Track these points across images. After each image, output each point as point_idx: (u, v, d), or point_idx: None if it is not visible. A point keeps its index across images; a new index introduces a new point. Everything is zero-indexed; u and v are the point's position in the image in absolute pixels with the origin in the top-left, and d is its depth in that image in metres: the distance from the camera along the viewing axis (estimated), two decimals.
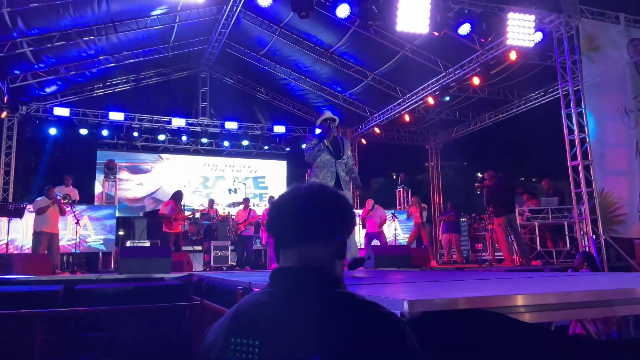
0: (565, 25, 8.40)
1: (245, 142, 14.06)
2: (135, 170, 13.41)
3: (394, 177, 15.87)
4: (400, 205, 14.29)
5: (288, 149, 14.62)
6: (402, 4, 7.98)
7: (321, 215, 1.15)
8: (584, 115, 8.16)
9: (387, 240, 11.41)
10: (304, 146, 5.25)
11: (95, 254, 10.31)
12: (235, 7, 9.35)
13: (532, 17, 8.51)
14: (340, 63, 11.74)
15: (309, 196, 1.17)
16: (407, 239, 11.75)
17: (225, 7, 9.47)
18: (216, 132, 13.75)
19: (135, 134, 13.02)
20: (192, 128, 13.58)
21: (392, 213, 12.38)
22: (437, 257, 12.83)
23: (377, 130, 14.02)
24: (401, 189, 14.66)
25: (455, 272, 5.50)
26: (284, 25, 10.92)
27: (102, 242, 10.22)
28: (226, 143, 13.91)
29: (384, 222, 10.91)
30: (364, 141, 14.85)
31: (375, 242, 10.49)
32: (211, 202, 12.21)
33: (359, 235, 11.03)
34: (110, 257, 10.28)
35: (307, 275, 1.10)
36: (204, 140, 13.63)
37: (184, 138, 13.52)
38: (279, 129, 14.33)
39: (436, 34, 8.47)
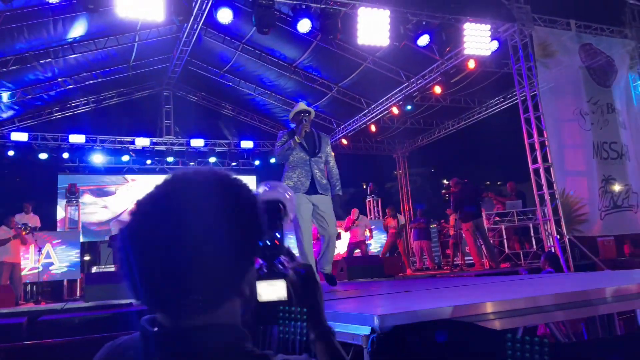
0: (519, 34, 8.69)
1: (212, 159, 13.91)
2: (99, 193, 13.06)
3: (364, 187, 15.98)
4: (370, 214, 14.37)
5: (257, 163, 14.54)
6: (362, 17, 8.10)
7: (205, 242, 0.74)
8: (542, 119, 8.42)
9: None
10: (278, 143, 4.69)
11: (59, 282, 9.95)
12: (196, 25, 9.30)
13: (488, 27, 8.77)
14: (304, 77, 11.80)
15: (173, 209, 0.75)
16: (382, 249, 11.79)
17: (185, 25, 9.40)
18: (182, 150, 13.56)
19: (98, 156, 12.72)
20: (157, 147, 13.35)
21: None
22: (410, 265, 12.94)
23: (344, 141, 14.11)
24: (371, 199, 14.77)
25: (427, 280, 5.54)
26: (246, 41, 10.92)
27: (66, 269, 9.88)
28: (192, 163, 13.72)
29: (371, 232, 10.94)
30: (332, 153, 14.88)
31: (358, 252, 10.50)
32: None
33: (343, 243, 10.96)
34: (76, 284, 9.95)
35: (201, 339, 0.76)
36: (170, 159, 13.41)
37: (149, 158, 13.28)
38: (247, 144, 14.25)
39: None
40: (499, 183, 20.19)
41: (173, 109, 13.62)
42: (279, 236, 1.08)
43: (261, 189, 1.29)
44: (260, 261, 1.05)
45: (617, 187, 8.60)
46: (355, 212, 10.78)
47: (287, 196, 1.26)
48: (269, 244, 1.05)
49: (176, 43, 10.73)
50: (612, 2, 9.35)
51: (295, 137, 4.52)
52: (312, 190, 4.47)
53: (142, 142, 13.11)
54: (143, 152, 13.24)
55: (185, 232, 0.73)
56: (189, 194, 0.77)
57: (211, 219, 0.75)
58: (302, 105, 4.77)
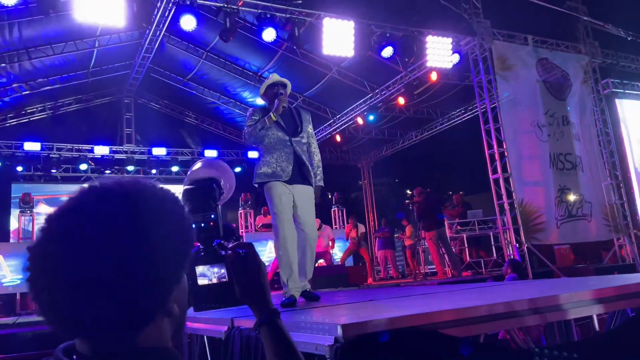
0: (479, 47, 8.93)
1: (175, 168, 13.63)
2: (55, 203, 12.56)
3: (329, 196, 16.00)
4: (336, 224, 14.39)
5: None
6: (327, 28, 8.16)
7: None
8: (502, 131, 8.66)
9: None
10: (248, 123, 3.83)
11: (12, 296, 9.47)
12: (158, 32, 9.14)
13: (449, 40, 8.99)
14: None
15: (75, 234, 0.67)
16: (342, 256, 11.80)
17: (148, 31, 9.23)
18: (143, 159, 13.25)
19: (54, 164, 12.26)
20: (117, 156, 12.99)
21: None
22: (375, 274, 13.00)
23: None
24: (336, 208, 14.79)
25: (391, 289, 5.56)
26: (210, 49, 10.82)
27: (19, 282, 9.42)
28: (154, 171, 13.41)
29: (333, 242, 10.90)
30: None
31: (322, 262, 10.44)
32: None
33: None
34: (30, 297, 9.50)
35: None
36: (130, 167, 13.07)
37: (108, 167, 12.90)
38: (210, 153, 14.04)
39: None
40: (460, 192, 20.61)
41: (134, 116, 13.31)
42: (213, 217, 1.03)
43: (196, 166, 1.20)
44: (198, 244, 1.01)
45: (571, 197, 8.91)
46: (317, 221, 10.73)
47: (223, 174, 1.17)
48: (203, 226, 1.01)
49: (138, 50, 10.52)
50: (567, 18, 9.74)
51: (271, 113, 3.71)
52: (294, 178, 3.69)
53: (101, 150, 12.73)
54: (102, 161, 12.86)
55: (95, 251, 0.66)
56: (103, 208, 0.70)
57: (126, 235, 0.68)
58: (275, 77, 3.97)
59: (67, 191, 12.73)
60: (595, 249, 9.96)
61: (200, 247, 1.01)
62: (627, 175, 9.97)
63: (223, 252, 1.00)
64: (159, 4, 7.74)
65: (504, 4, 8.88)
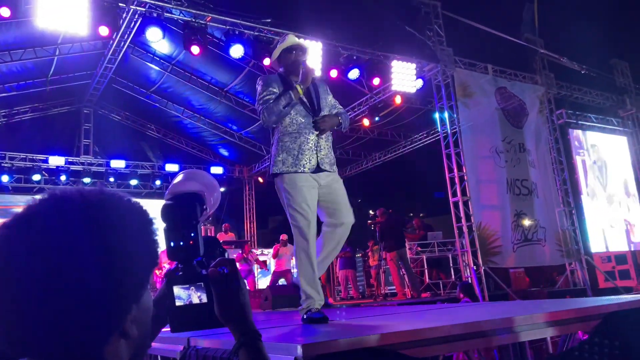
0: (442, 74, 9.20)
1: (133, 182, 13.28)
2: (5, 214, 11.99)
3: None
4: None
5: None
6: None
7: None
8: (462, 155, 8.88)
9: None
10: (264, 95, 3.11)
11: None
12: (122, 42, 8.98)
13: (413, 66, 9.23)
14: (235, 102, 11.71)
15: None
16: None
17: (111, 41, 9.06)
18: (101, 171, 12.85)
19: (5, 174, 11.72)
20: (73, 167, 12.56)
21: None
22: (335, 294, 12.94)
23: None
24: None
25: (352, 309, 5.55)
26: (176, 62, 10.70)
27: None
28: (111, 179, 12.99)
29: (289, 259, 10.80)
30: (261, 180, 14.78)
31: (283, 281, 10.32)
32: None
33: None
34: None
35: None
36: (86, 180, 12.64)
37: (63, 178, 12.44)
38: (172, 167, 13.77)
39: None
40: (421, 215, 20.95)
41: (93, 127, 12.93)
42: (193, 235, 0.98)
43: (178, 178, 1.11)
44: (176, 263, 0.96)
45: (527, 222, 9.19)
46: (284, 237, 10.62)
47: (207, 187, 1.10)
48: (182, 245, 0.97)
49: (100, 59, 10.29)
50: (525, 50, 10.20)
51: (297, 85, 3.05)
52: (320, 166, 3.13)
53: (56, 160, 12.27)
54: (57, 172, 12.39)
55: (45, 264, 0.62)
56: (59, 218, 0.66)
57: (80, 248, 0.64)
58: (292, 39, 3.30)
59: (18, 202, 12.17)
60: (549, 273, 10.28)
61: (179, 266, 0.96)
62: (579, 202, 10.39)
63: (204, 271, 0.95)
64: (124, 15, 7.62)
65: (466, 33, 9.22)
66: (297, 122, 3.09)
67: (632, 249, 11.10)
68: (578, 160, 10.81)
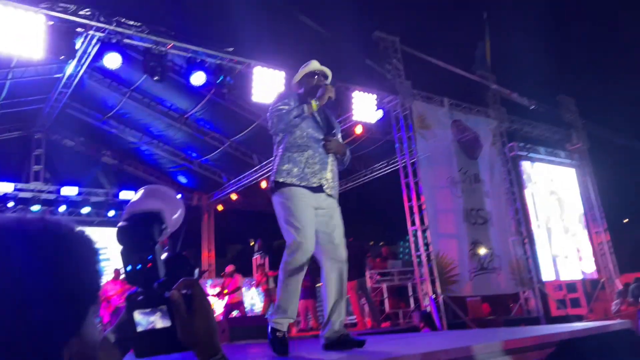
0: (401, 106, 9.45)
1: (86, 209, 12.79)
2: None
3: (251, 243, 15.71)
4: (257, 273, 14.06)
5: None
6: (257, 76, 8.27)
7: None
8: (420, 185, 9.06)
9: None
10: (280, 106, 3.11)
11: None
12: (79, 67, 8.77)
13: (374, 97, 9.44)
14: (195, 129, 11.59)
15: None
16: (262, 309, 11.49)
17: (67, 66, 8.84)
18: (51, 198, 12.31)
19: None
20: (22, 194, 11.96)
21: (248, 281, 12.11)
22: (295, 324, 12.73)
23: (233, 196, 13.90)
24: (258, 256, 14.50)
25: (311, 340, 5.45)
26: (135, 88, 10.52)
27: None
28: (62, 208, 12.46)
29: (237, 288, 10.56)
30: (220, 207, 14.57)
31: (235, 312, 10.07)
32: None
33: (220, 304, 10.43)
34: None
35: None
36: (35, 207, 12.08)
37: (11, 205, 11.84)
38: (127, 194, 13.37)
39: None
40: (381, 244, 21.09)
41: (45, 153, 12.44)
42: (151, 258, 0.93)
43: (136, 196, 1.06)
44: (136, 288, 0.92)
45: (483, 251, 9.41)
46: (230, 267, 10.39)
47: (167, 204, 1.04)
48: (139, 268, 0.92)
49: (56, 84, 10.00)
50: (479, 86, 10.65)
51: (312, 100, 3.05)
52: (323, 186, 3.04)
53: (3, 187, 11.69)
54: (4, 199, 11.79)
55: None
56: None
57: (10, 279, 0.62)
58: (315, 64, 3.32)
59: None
60: (504, 301, 10.48)
61: (139, 290, 0.92)
62: (531, 231, 10.74)
63: (166, 294, 0.91)
64: (81, 39, 7.47)
65: (424, 67, 9.57)
66: (308, 134, 3.07)
67: (582, 278, 11.52)
68: (527, 192, 11.22)
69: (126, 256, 0.95)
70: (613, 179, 13.32)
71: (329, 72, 3.34)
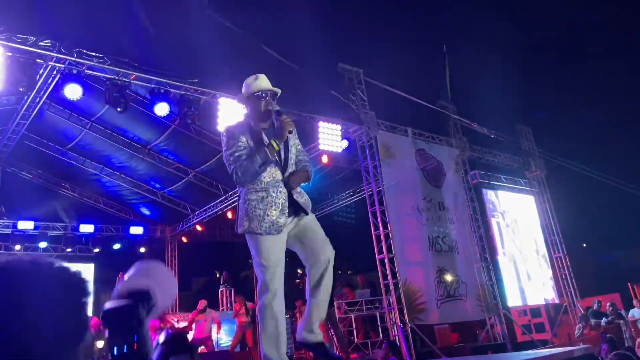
0: (366, 136, 9.58)
1: (43, 244, 12.29)
2: None
3: (217, 275, 15.38)
4: (223, 305, 13.71)
5: (97, 250, 13.21)
6: (222, 106, 8.25)
7: None
8: (386, 213, 9.13)
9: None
10: (234, 151, 2.86)
11: None
12: (38, 98, 8.54)
13: (339, 127, 9.55)
14: (159, 160, 11.40)
15: None
16: (231, 343, 11.16)
17: (26, 97, 8.61)
18: (6, 233, 11.81)
19: None
20: None
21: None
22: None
23: (199, 227, 13.64)
24: (224, 289, 14.17)
25: None
26: (95, 119, 10.30)
27: None
28: (18, 247, 11.94)
29: (219, 325, 10.25)
30: (185, 239, 14.25)
31: (203, 349, 9.72)
32: None
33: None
34: None
35: None
36: None
37: None
38: (86, 228, 12.95)
39: None
40: (349, 272, 21.00)
41: (1, 186, 11.96)
42: (136, 340, 0.91)
43: (129, 273, 1.03)
44: None
45: (449, 278, 9.49)
46: (202, 303, 10.11)
47: (158, 282, 1.01)
48: (125, 351, 0.88)
49: (13, 115, 9.69)
50: (440, 116, 10.93)
51: (272, 141, 2.79)
52: (292, 212, 2.97)
53: None
54: None
55: None
56: None
57: None
58: (262, 81, 2.99)
59: None
60: (471, 328, 10.54)
61: None
62: (495, 258, 10.93)
63: None
64: (41, 71, 7.30)
65: (387, 98, 9.76)
66: (264, 180, 2.84)
67: (546, 303, 11.74)
68: (493, 221, 11.46)
69: (111, 340, 0.92)
70: (571, 204, 13.79)
71: (278, 90, 3.04)
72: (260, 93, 2.94)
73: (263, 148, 2.78)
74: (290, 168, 2.98)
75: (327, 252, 3.03)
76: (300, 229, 3.00)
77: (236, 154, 2.81)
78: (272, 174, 2.87)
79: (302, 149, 3.19)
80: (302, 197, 3.04)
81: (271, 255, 2.85)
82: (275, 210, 2.83)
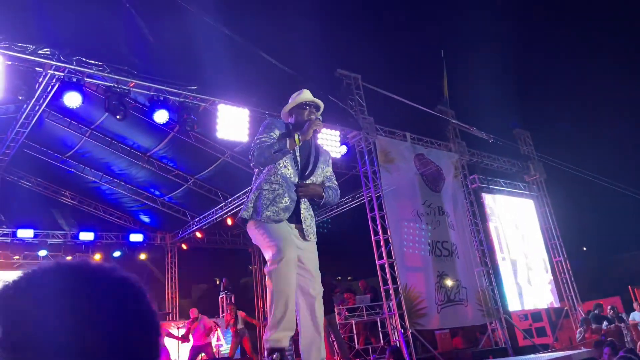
0: (364, 141, 9.60)
1: (42, 252, 12.27)
2: None
3: (217, 282, 15.35)
4: (223, 312, 13.69)
5: (97, 257, 13.20)
6: (221, 113, 8.27)
7: None
8: (386, 218, 9.13)
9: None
10: (264, 137, 3.00)
11: None
12: (38, 107, 8.56)
13: (338, 133, 9.57)
14: (158, 167, 11.41)
15: None
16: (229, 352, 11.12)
17: (25, 105, 8.63)
18: (5, 241, 11.80)
19: None
20: None
21: (214, 321, 11.73)
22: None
23: (198, 234, 13.64)
24: (224, 295, 14.14)
25: None
26: (95, 127, 10.33)
27: None
28: (17, 257, 11.93)
29: (209, 331, 10.22)
30: (184, 246, 14.24)
31: (203, 356, 9.70)
32: None
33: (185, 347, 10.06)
34: None
35: None
36: None
37: None
38: (86, 235, 12.94)
39: None
40: (349, 278, 20.98)
41: (0, 194, 11.97)
42: None
43: None
44: None
45: (449, 282, 9.47)
46: (194, 311, 10.09)
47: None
48: None
49: (12, 124, 9.71)
50: (439, 121, 10.96)
51: (296, 134, 2.90)
52: (295, 220, 3.05)
53: None
54: None
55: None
56: (43, 292, 0.67)
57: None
58: (307, 95, 3.21)
59: None
60: (472, 332, 10.51)
61: None
62: (495, 262, 10.92)
63: None
64: (40, 79, 7.33)
65: (386, 103, 9.79)
66: (281, 174, 2.98)
67: (547, 307, 11.72)
68: (491, 225, 11.46)
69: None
70: (570, 208, 13.80)
71: (321, 103, 3.24)
72: (304, 104, 3.16)
73: (285, 138, 2.92)
74: (310, 180, 3.08)
75: (319, 286, 3.12)
76: (300, 252, 3.01)
77: (263, 138, 2.96)
78: (289, 173, 3.00)
79: (332, 177, 3.34)
80: (307, 221, 3.07)
81: (277, 232, 2.88)
82: (280, 205, 2.92)
